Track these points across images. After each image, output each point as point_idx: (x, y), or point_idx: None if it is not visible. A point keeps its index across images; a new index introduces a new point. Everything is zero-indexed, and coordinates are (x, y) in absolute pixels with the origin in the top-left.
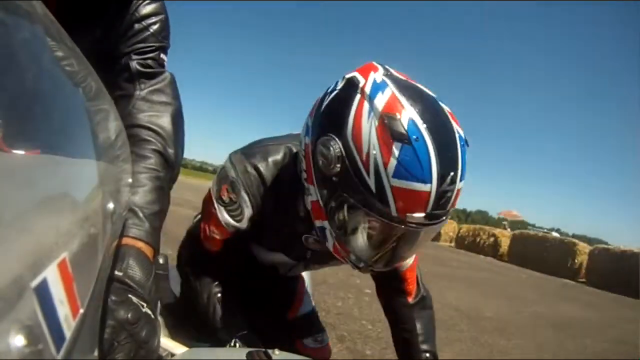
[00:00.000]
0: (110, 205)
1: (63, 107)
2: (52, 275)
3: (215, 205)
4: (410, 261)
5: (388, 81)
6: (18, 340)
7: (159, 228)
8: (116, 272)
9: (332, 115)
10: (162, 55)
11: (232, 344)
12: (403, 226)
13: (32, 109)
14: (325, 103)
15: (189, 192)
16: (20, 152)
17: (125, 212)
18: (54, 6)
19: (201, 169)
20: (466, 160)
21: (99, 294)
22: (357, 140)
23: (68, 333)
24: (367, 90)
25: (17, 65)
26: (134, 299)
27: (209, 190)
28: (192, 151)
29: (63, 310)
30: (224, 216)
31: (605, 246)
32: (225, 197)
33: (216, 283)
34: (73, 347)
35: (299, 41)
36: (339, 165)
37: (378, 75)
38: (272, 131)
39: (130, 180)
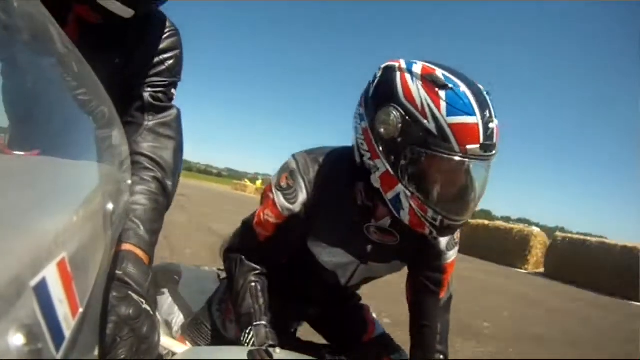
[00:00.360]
0: (110, 206)
1: (65, 111)
2: (51, 274)
3: (273, 190)
4: (453, 256)
5: (414, 61)
6: (17, 340)
7: (154, 242)
8: (116, 272)
9: (382, 93)
10: (172, 90)
11: (246, 333)
12: (466, 158)
13: (35, 113)
14: (372, 89)
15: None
16: (22, 153)
17: (124, 212)
18: (77, 34)
19: (205, 171)
20: (493, 103)
21: (99, 293)
22: (410, 98)
23: (67, 332)
24: (403, 66)
25: (21, 69)
26: (134, 296)
27: (272, 181)
28: (198, 155)
29: (62, 309)
30: (280, 199)
31: (568, 235)
32: (283, 184)
33: (255, 272)
34: (72, 346)
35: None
36: (400, 125)
37: (402, 60)
38: (281, 137)
39: (129, 182)
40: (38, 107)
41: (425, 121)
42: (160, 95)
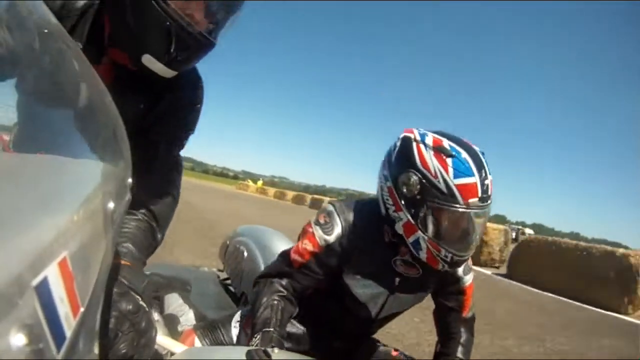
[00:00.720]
0: (111, 205)
1: (67, 110)
2: (52, 274)
3: (312, 225)
4: (470, 279)
5: (425, 132)
6: (18, 339)
7: (143, 273)
8: (115, 273)
9: (402, 160)
10: (185, 142)
11: (255, 337)
12: (469, 209)
13: (37, 113)
14: (393, 156)
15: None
16: (23, 153)
17: (125, 212)
18: (109, 76)
19: (222, 174)
20: (487, 162)
21: (100, 292)
22: (425, 166)
23: (69, 332)
24: (418, 137)
25: (19, 66)
26: (132, 292)
27: (310, 221)
28: (214, 157)
29: (64, 309)
30: (318, 232)
31: (537, 236)
32: (322, 220)
33: (281, 294)
34: (73, 346)
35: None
36: (419, 186)
37: (417, 131)
38: (297, 139)
39: (130, 180)
40: (40, 107)
41: (438, 183)
42: (172, 147)
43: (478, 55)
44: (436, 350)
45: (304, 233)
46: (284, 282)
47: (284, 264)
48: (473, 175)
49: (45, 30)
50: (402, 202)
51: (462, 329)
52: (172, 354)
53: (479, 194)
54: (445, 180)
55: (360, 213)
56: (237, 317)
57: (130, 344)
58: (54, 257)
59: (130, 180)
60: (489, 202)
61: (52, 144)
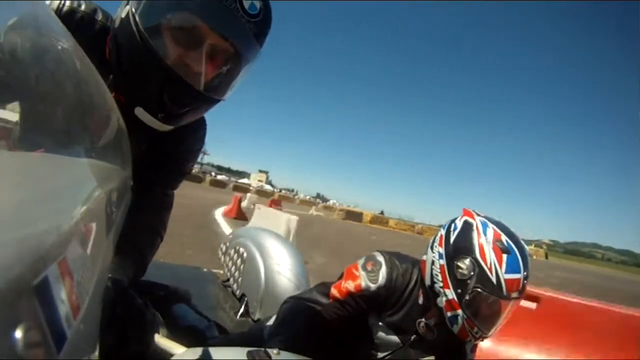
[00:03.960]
0: (112, 205)
1: (68, 110)
2: (53, 274)
3: (360, 269)
4: (471, 357)
5: (486, 221)
6: (19, 340)
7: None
8: (115, 272)
9: (461, 245)
10: (179, 184)
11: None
12: (508, 300)
13: (38, 112)
14: (452, 237)
15: None
16: (25, 151)
17: (125, 212)
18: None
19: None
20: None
21: (100, 292)
22: (483, 257)
23: (69, 332)
24: (480, 228)
25: (20, 65)
26: (133, 292)
27: (356, 263)
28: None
29: (64, 309)
30: (363, 276)
31: None
32: (369, 267)
33: (311, 315)
34: (74, 346)
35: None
36: (472, 273)
37: (478, 219)
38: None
39: (131, 182)
40: (41, 106)
41: (490, 274)
42: (167, 189)
43: (476, 53)
44: None
45: (349, 274)
46: (316, 307)
47: (320, 295)
48: (520, 272)
49: (48, 30)
50: (452, 282)
51: None
52: (172, 354)
53: (520, 288)
54: (497, 274)
55: (405, 272)
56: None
57: (131, 344)
58: (54, 257)
59: (131, 182)
60: (523, 292)
61: (53, 144)
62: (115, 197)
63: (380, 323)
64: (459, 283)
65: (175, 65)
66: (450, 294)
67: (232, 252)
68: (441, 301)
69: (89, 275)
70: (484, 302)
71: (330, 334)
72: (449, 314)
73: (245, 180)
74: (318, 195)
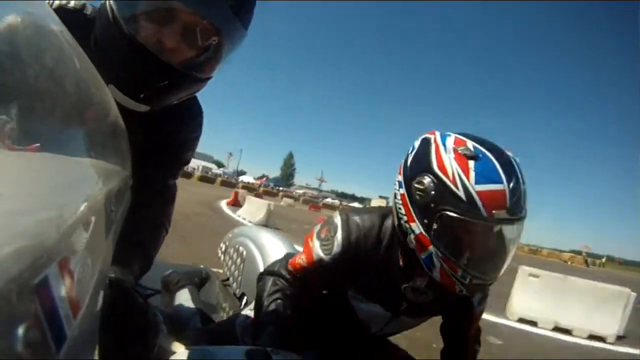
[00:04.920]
0: (112, 204)
1: (68, 108)
2: (53, 273)
3: (314, 238)
4: (482, 309)
5: (447, 133)
6: (19, 339)
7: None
8: (115, 271)
9: (418, 163)
10: (179, 173)
11: (260, 337)
12: (493, 223)
13: (37, 109)
14: (409, 159)
15: None
16: (23, 149)
17: (125, 211)
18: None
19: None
20: (521, 168)
21: (100, 292)
22: (442, 169)
23: (69, 332)
24: (438, 139)
25: (20, 64)
26: (133, 291)
27: (313, 230)
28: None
29: (64, 308)
30: (316, 247)
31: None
32: (323, 234)
33: (284, 292)
34: (74, 346)
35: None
36: (433, 192)
37: (438, 133)
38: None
39: (131, 181)
40: (41, 106)
41: (456, 189)
42: (167, 178)
43: (476, 55)
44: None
45: (305, 245)
46: (287, 280)
47: (285, 269)
48: (501, 181)
49: (48, 29)
50: (415, 211)
51: (469, 341)
52: (172, 353)
53: (507, 204)
54: (464, 186)
55: (370, 230)
56: (241, 317)
57: (131, 343)
58: (54, 257)
59: (131, 182)
60: (521, 215)
61: (53, 143)
62: (115, 196)
63: (360, 296)
64: (423, 210)
65: (149, 42)
66: (417, 227)
67: (231, 251)
68: (410, 241)
69: (89, 275)
70: (459, 230)
71: (311, 318)
72: (422, 255)
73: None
74: None
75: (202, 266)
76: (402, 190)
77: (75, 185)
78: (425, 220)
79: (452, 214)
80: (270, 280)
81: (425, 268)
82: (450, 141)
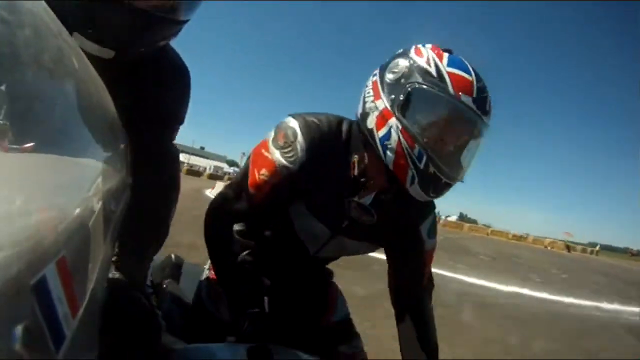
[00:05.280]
0: (111, 204)
1: (67, 109)
2: (51, 273)
3: (270, 148)
4: (432, 246)
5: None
6: (17, 339)
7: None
8: (115, 271)
9: (394, 57)
10: (174, 133)
11: (241, 321)
12: (457, 102)
13: (35, 110)
14: (389, 58)
15: None
16: (20, 150)
17: (124, 211)
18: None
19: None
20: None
21: (100, 292)
22: (418, 54)
23: (68, 331)
24: (419, 45)
25: (19, 64)
26: (134, 290)
27: (265, 140)
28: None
29: (62, 308)
30: (277, 156)
31: None
32: (280, 141)
33: (237, 252)
34: (73, 346)
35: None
36: (405, 71)
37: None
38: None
39: (130, 181)
40: (40, 106)
41: (428, 66)
42: (161, 138)
43: (475, 52)
44: (399, 328)
45: (258, 157)
46: (246, 220)
47: (243, 199)
48: (470, 74)
49: (46, 29)
50: (384, 89)
51: (422, 301)
52: (173, 350)
53: (474, 94)
54: (436, 65)
55: (328, 136)
56: (204, 291)
57: (132, 342)
58: (52, 257)
59: (130, 181)
60: (485, 116)
61: (52, 143)
62: (114, 196)
63: (303, 212)
64: (392, 86)
65: None
66: (382, 103)
67: None
68: (372, 120)
69: (88, 275)
70: (427, 102)
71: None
72: (380, 133)
73: None
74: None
75: (171, 255)
76: (375, 78)
77: (73, 185)
78: (392, 95)
79: (420, 85)
80: (225, 230)
81: (381, 150)
82: (429, 45)
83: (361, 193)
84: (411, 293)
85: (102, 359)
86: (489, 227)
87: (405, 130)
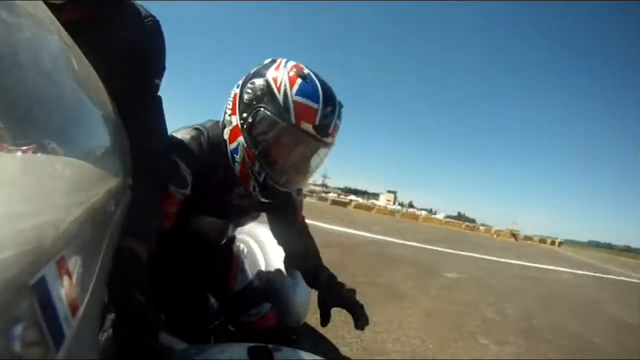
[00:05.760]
0: (111, 205)
1: (66, 109)
2: (50, 273)
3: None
4: (300, 201)
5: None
6: (17, 339)
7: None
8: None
9: (258, 71)
10: (156, 81)
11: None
12: (296, 129)
13: (33, 108)
14: (255, 69)
15: None
16: (20, 150)
17: (125, 211)
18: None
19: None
20: (341, 114)
21: (100, 291)
22: (274, 78)
23: (68, 331)
24: (282, 61)
25: (19, 65)
26: (134, 290)
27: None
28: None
29: (62, 308)
30: (173, 189)
31: None
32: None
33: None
34: (73, 345)
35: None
36: (259, 93)
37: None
38: None
39: (130, 181)
40: (40, 106)
41: (277, 93)
42: (142, 93)
43: (477, 53)
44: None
45: (152, 197)
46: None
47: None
48: (317, 102)
49: (46, 30)
50: (239, 106)
51: (303, 237)
52: (173, 351)
53: (316, 122)
54: (285, 93)
55: (201, 148)
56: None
57: (132, 342)
58: (52, 257)
59: (130, 181)
60: (325, 139)
61: (51, 144)
62: (114, 196)
63: (197, 214)
64: (245, 105)
65: None
66: (235, 119)
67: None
68: (227, 132)
69: (88, 275)
70: (269, 128)
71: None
72: (231, 146)
73: (374, 201)
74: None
75: None
76: (237, 90)
77: (73, 185)
78: (244, 114)
79: (265, 111)
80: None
81: (231, 160)
82: (292, 63)
83: (236, 187)
84: (291, 229)
85: (102, 359)
86: (474, 224)
87: (249, 149)
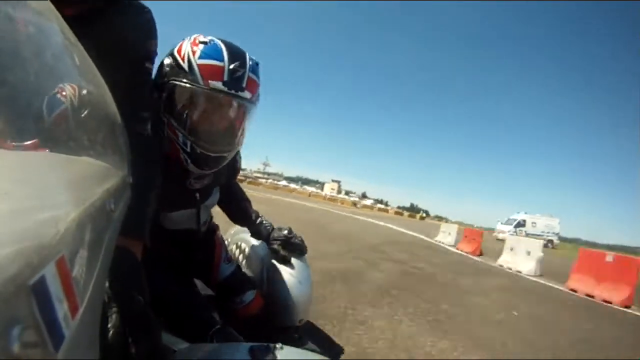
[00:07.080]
0: (111, 204)
1: (66, 108)
2: (50, 273)
3: None
4: (240, 164)
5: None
6: (16, 339)
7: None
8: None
9: (169, 52)
10: (147, 65)
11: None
12: (206, 89)
13: (33, 105)
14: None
15: None
16: (21, 146)
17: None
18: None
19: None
20: (258, 70)
21: (100, 291)
22: (178, 51)
23: (67, 332)
24: (187, 37)
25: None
26: (134, 290)
27: None
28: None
29: (62, 308)
30: None
31: None
32: None
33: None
34: (73, 346)
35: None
36: (168, 69)
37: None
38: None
39: (130, 180)
40: (40, 104)
41: (182, 62)
42: (134, 77)
43: (476, 55)
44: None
45: None
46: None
47: (148, 224)
48: (221, 60)
49: (48, 28)
50: (160, 86)
51: (238, 193)
52: (174, 350)
53: (224, 78)
54: (189, 60)
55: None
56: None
57: (133, 342)
58: (51, 256)
59: (130, 180)
60: (241, 94)
61: (52, 141)
62: (114, 195)
63: (168, 213)
64: (160, 85)
65: None
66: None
67: (233, 247)
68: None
69: (88, 275)
70: (181, 96)
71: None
72: (166, 131)
73: (318, 191)
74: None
75: None
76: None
77: (73, 184)
78: (164, 94)
79: (175, 82)
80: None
81: (165, 142)
82: (195, 35)
83: (190, 173)
84: (231, 188)
85: (102, 359)
86: (424, 214)
87: (170, 125)
